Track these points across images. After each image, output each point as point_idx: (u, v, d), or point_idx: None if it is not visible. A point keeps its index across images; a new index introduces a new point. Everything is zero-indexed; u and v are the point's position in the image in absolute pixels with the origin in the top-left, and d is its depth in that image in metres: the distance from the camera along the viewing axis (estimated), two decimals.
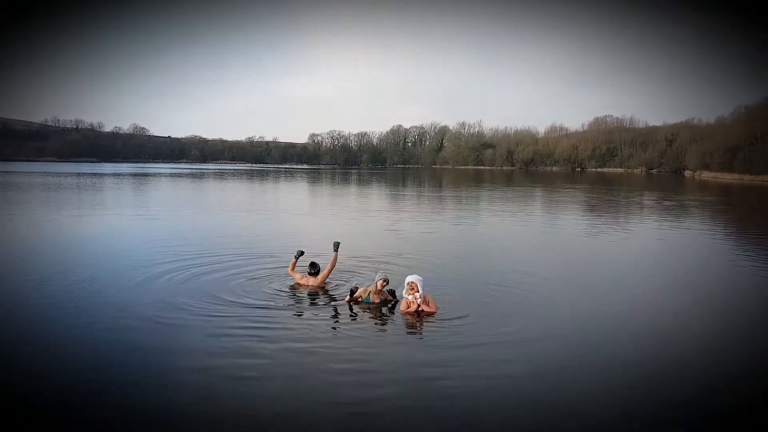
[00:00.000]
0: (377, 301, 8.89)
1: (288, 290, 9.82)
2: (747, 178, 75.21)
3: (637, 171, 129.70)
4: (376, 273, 9.42)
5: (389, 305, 8.91)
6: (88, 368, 6.23)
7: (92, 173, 71.78)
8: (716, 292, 10.75)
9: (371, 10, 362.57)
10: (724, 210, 31.63)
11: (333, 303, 9.17)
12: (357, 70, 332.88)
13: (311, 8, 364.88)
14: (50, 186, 42.93)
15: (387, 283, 8.97)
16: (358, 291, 9.07)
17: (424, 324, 8.01)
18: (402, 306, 8.49)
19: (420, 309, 8.32)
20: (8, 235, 16.96)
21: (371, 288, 8.98)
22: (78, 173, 70.22)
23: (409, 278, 8.56)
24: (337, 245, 10.28)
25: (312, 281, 10.05)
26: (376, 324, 8.15)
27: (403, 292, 8.56)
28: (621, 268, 12.98)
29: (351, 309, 8.80)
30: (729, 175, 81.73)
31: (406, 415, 5.27)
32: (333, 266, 10.24)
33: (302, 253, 10.40)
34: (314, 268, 10.15)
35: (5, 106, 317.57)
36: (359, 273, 11.14)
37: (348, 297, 9.08)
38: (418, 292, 8.38)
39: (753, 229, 23.07)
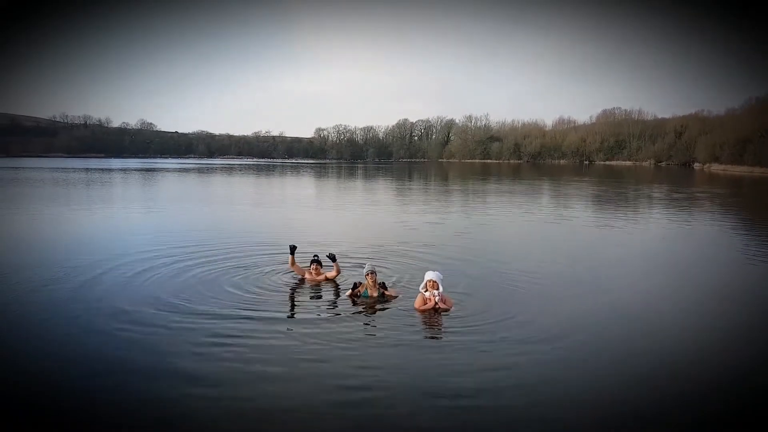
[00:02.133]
0: (375, 294, 8.86)
1: (291, 286, 9.72)
2: (758, 171, 74.40)
3: (645, 164, 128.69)
4: (364, 266, 9.29)
5: (389, 299, 8.82)
6: (84, 368, 6.16)
7: (100, 168, 71.98)
8: (730, 284, 10.58)
9: (376, 4, 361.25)
10: (736, 202, 31.29)
11: (336, 299, 9.06)
12: (362, 65, 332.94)
13: (315, 3, 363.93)
14: (58, 181, 43.07)
15: (375, 275, 8.93)
16: (359, 287, 9.04)
17: (436, 321, 7.87)
18: (417, 301, 8.32)
19: (437, 306, 8.15)
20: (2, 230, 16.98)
21: (365, 283, 8.96)
22: (86, 168, 70.45)
23: (429, 275, 8.38)
24: (332, 257, 10.10)
25: (319, 274, 9.95)
26: (383, 322, 8.01)
27: (420, 287, 8.42)
28: (632, 262, 12.78)
29: (354, 303, 8.72)
30: (739, 167, 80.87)
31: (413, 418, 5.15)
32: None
33: (295, 247, 10.15)
34: (321, 265, 10.09)
35: (14, 102, 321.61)
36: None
37: (350, 291, 9.03)
38: (438, 289, 8.22)
39: (764, 221, 22.78)
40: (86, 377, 5.87)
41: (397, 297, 8.91)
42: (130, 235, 15.53)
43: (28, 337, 7.07)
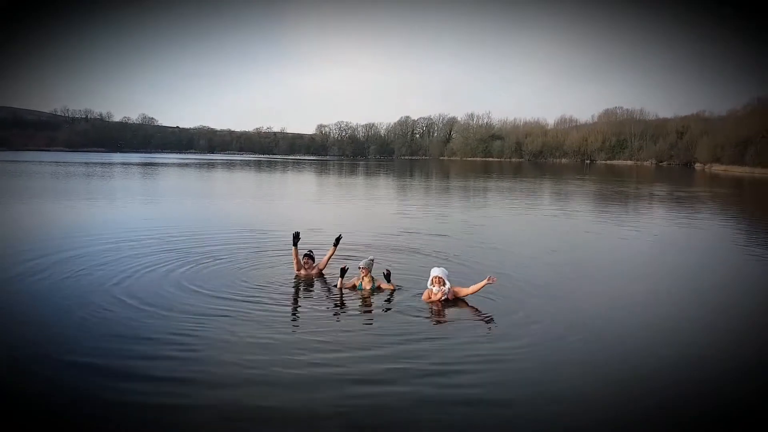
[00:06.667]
0: (368, 287, 8.97)
1: (284, 280, 9.61)
2: (758, 172, 74.26)
3: (646, 163, 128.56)
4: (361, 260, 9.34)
5: (391, 291, 8.89)
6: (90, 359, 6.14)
7: (101, 162, 71.97)
8: (741, 285, 10.54)
9: (378, 1, 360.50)
10: (737, 202, 31.27)
11: (328, 294, 9.02)
12: (364, 62, 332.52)
13: (318, 1, 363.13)
14: (58, 175, 43.08)
15: (369, 270, 9.02)
16: (353, 279, 9.11)
17: (438, 316, 7.89)
18: (424, 296, 8.51)
19: (442, 299, 8.34)
20: None
21: (359, 275, 9.10)
22: (86, 162, 70.46)
23: (435, 272, 8.51)
24: (338, 240, 10.12)
25: (311, 268, 9.91)
26: (380, 318, 8.00)
27: (428, 282, 8.52)
28: (636, 261, 12.73)
29: (342, 294, 8.88)
30: (740, 168, 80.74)
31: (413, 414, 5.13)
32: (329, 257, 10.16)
33: (297, 235, 9.88)
34: (312, 259, 10.03)
35: (16, 96, 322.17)
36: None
37: (340, 281, 9.14)
38: (444, 286, 8.37)
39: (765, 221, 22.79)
40: (88, 372, 5.85)
41: (393, 290, 8.94)
42: (122, 227, 15.42)
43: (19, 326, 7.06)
